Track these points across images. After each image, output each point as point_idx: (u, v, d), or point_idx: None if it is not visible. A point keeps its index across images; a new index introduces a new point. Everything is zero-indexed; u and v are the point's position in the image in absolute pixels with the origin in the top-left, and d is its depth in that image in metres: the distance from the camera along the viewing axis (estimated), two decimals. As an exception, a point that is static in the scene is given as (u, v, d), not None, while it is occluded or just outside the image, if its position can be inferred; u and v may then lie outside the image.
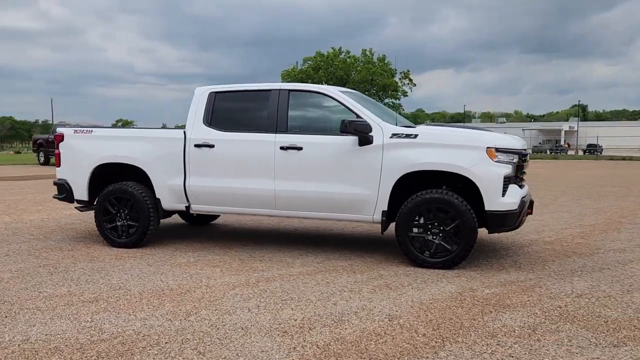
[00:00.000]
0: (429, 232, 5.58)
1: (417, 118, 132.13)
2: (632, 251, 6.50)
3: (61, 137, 6.95)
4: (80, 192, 6.84)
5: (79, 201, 6.92)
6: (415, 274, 5.40)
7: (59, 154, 6.98)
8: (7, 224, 8.38)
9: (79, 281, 5.12)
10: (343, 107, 5.95)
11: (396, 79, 50.34)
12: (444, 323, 4.00)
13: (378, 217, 5.75)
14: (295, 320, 4.06)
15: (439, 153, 5.53)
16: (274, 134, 6.05)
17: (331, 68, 47.91)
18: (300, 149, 5.93)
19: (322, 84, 48.06)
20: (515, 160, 5.55)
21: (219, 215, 8.66)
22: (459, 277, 5.27)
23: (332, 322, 4.03)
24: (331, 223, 8.38)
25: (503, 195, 5.42)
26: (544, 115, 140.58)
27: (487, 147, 5.42)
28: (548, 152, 59.71)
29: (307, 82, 47.10)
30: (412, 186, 5.75)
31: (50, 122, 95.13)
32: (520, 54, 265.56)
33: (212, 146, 6.26)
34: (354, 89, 7.31)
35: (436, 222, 5.55)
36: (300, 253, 6.32)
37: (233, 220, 8.90)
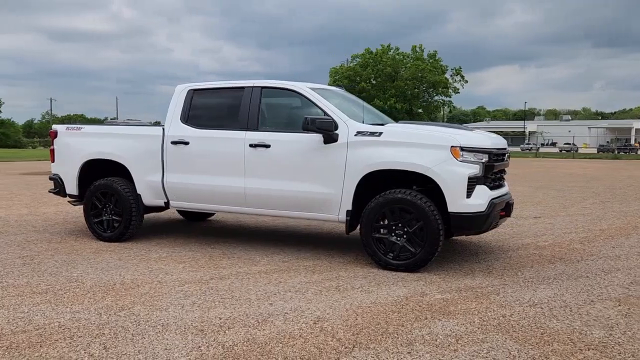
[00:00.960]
0: (392, 234, 5.40)
1: (477, 116, 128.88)
2: (625, 259, 6.04)
3: (55, 134, 7.22)
4: (71, 186, 7.08)
5: (70, 195, 7.17)
6: (375, 276, 5.24)
7: (52, 150, 7.26)
8: (20, 216, 8.81)
9: (44, 273, 5.30)
10: (311, 104, 5.85)
11: (447, 75, 49.26)
12: (368, 328, 3.85)
13: (343, 216, 5.62)
14: (220, 319, 4.03)
15: (402, 152, 5.35)
16: (245, 132, 6.04)
17: (379, 65, 47.43)
18: (268, 146, 5.89)
19: (370, 81, 47.84)
20: (485, 160, 5.27)
21: (214, 213, 8.74)
22: (418, 281, 5.07)
23: (256, 322, 3.97)
24: (321, 222, 8.27)
25: (468, 196, 5.17)
26: (614, 113, 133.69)
27: (452, 146, 5.19)
28: (616, 152, 56.20)
29: (355, 79, 47.07)
30: (383, 186, 5.58)
31: (116, 119, 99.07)
32: (592, 48, 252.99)
33: (187, 143, 6.32)
34: (344, 88, 7.13)
35: (400, 223, 5.37)
36: (273, 251, 6.28)
37: (230, 217, 8.97)
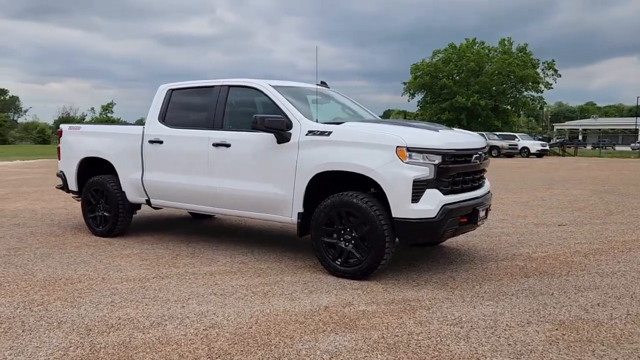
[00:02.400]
0: (341, 239, 5.13)
1: (584, 112, 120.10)
2: (620, 276, 5.31)
3: (60, 133, 7.63)
4: (72, 183, 7.45)
5: (72, 191, 7.55)
6: (316, 283, 5.00)
7: (59, 148, 7.68)
8: (36, 210, 9.42)
9: (11, 265, 5.59)
10: (271, 102, 5.70)
11: (539, 70, 46.40)
12: (251, 339, 3.67)
13: (295, 219, 5.43)
14: (119, 319, 4.03)
15: (348, 152, 5.06)
16: (210, 131, 6.02)
17: (463, 60, 45.66)
18: (228, 145, 5.82)
19: (452, 77, 46.21)
20: (437, 161, 4.84)
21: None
22: (356, 289, 4.77)
23: (148, 325, 3.92)
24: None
25: (415, 201, 4.78)
26: None
27: (397, 147, 4.82)
28: None
29: (437, 76, 45.69)
30: (343, 188, 5.30)
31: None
32: None
33: (161, 142, 6.41)
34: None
35: (348, 228, 5.09)
36: (241, 252, 6.20)
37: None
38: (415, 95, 49.62)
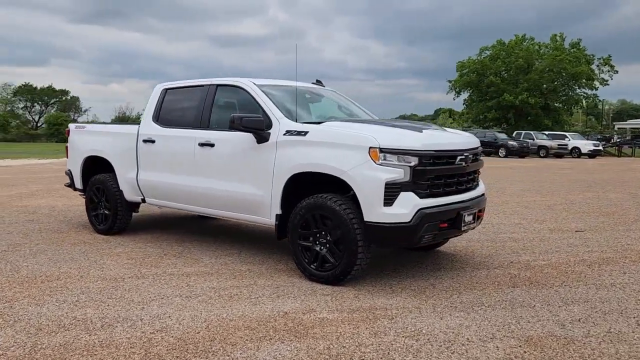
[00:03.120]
0: (317, 242, 4.97)
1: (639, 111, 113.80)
2: (619, 289, 4.91)
3: (68, 132, 7.80)
4: (77, 181, 7.60)
5: (78, 189, 7.70)
6: (288, 287, 4.86)
7: (67, 147, 7.85)
8: (56, 207, 9.69)
9: (3, 261, 5.70)
10: (253, 101, 5.60)
11: (594, 66, 44.32)
12: (192, 344, 3.58)
13: (273, 220, 5.30)
14: (74, 319, 4.03)
15: (322, 153, 4.89)
16: (197, 130, 5.98)
17: (511, 57, 44.15)
18: (212, 145, 5.76)
19: (499, 74, 44.79)
20: (414, 163, 4.60)
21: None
22: (326, 295, 4.60)
23: (99, 326, 3.89)
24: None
25: (388, 204, 4.55)
26: None
27: (370, 148, 4.61)
28: None
29: (484, 73, 44.41)
30: (324, 190, 5.13)
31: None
32: None
33: (153, 141, 6.43)
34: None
35: (323, 231, 4.92)
36: (229, 253, 6.13)
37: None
38: (461, 93, 48.43)
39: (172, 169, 6.23)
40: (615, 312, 4.26)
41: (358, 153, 4.65)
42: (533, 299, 4.55)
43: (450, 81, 48.04)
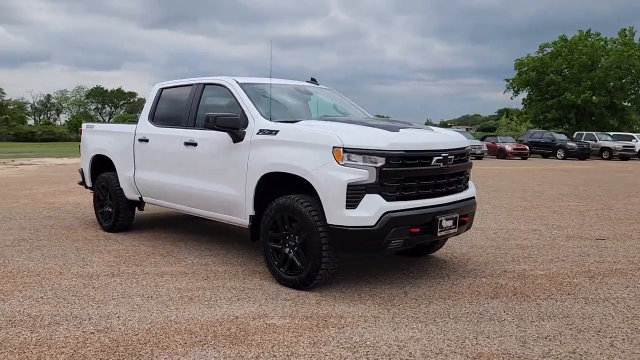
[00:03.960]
0: (286, 245, 4.82)
1: None
2: (610, 304, 4.46)
3: (81, 132, 8.02)
4: (87, 179, 7.80)
5: (88, 187, 7.90)
6: (254, 290, 4.74)
7: (79, 146, 8.08)
8: (81, 203, 9.98)
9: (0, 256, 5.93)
10: (234, 99, 5.52)
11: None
12: (127, 347, 3.52)
13: (247, 221, 5.19)
14: (27, 315, 4.07)
15: (290, 152, 4.73)
16: (184, 129, 5.96)
17: (574, 54, 41.97)
18: (196, 144, 5.72)
19: (561, 72, 42.74)
20: (381, 164, 4.36)
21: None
22: (287, 300, 4.45)
23: (45, 324, 3.91)
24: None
25: (351, 207, 4.33)
26: None
27: (334, 147, 4.41)
28: None
29: (544, 71, 42.51)
30: (297, 191, 4.99)
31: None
32: None
33: (147, 141, 6.48)
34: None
35: (292, 233, 4.76)
36: (216, 253, 6.07)
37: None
38: (519, 92, 46.53)
39: (162, 168, 6.25)
40: (592, 330, 3.85)
41: (322, 153, 4.46)
42: (507, 312, 4.20)
43: (507, 80, 46.32)
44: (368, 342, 3.59)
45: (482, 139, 34.61)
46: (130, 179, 6.79)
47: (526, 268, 5.54)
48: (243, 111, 5.30)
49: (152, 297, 4.53)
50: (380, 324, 3.93)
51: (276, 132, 4.90)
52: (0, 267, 5.43)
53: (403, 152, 4.46)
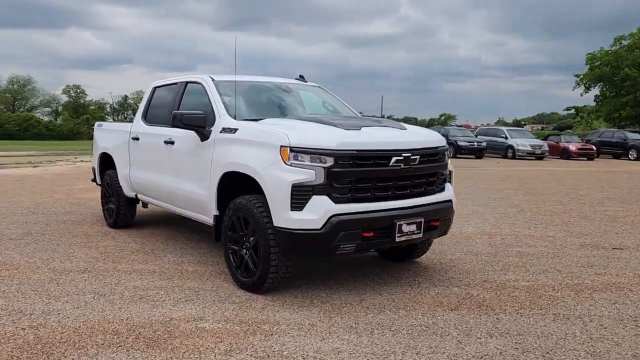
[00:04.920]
0: (243, 246, 4.70)
1: None
2: (571, 322, 4.00)
3: (94, 130, 8.27)
4: (97, 176, 8.03)
5: (99, 184, 8.13)
6: (211, 292, 4.65)
7: (92, 144, 8.33)
8: (94, 199, 10.26)
9: (-6, 248, 6.19)
10: (207, 97, 5.46)
11: None
12: (45, 346, 3.53)
13: (212, 221, 5.12)
14: (-25, 308, 4.19)
15: (244, 151, 4.61)
16: (166, 128, 5.97)
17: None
18: (173, 143, 5.72)
19: (638, 66, 39.77)
20: (329, 164, 4.14)
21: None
22: (233, 303, 4.33)
23: (-12, 317, 4.01)
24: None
25: (297, 208, 4.15)
26: None
27: (281, 146, 4.23)
28: None
29: (618, 65, 39.79)
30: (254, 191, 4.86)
31: (386, 116, 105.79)
32: None
33: (138, 139, 6.56)
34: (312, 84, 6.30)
35: (247, 235, 4.63)
36: (199, 252, 6.05)
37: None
38: (591, 88, 43.78)
39: (148, 166, 6.32)
40: (540, 351, 3.46)
41: (270, 152, 4.31)
42: (457, 327, 3.87)
43: (577, 75, 43.75)
44: (285, 352, 3.41)
45: (545, 138, 32.92)
46: (127, 177, 6.91)
47: (511, 278, 5.12)
48: (212, 109, 5.23)
49: (104, 295, 4.54)
50: (312, 333, 3.73)
51: (235, 130, 4.79)
52: (-14, 260, 5.64)
53: (354, 152, 4.22)
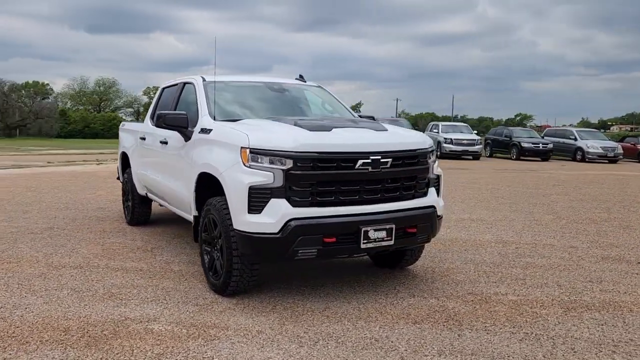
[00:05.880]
0: (214, 248, 4.67)
1: None
2: (529, 342, 3.63)
3: (119, 130, 8.57)
4: (120, 175, 8.31)
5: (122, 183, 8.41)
6: (182, 293, 4.66)
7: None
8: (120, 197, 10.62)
9: (10, 241, 6.51)
10: (195, 97, 5.48)
11: None
12: (4, 338, 3.66)
13: (193, 221, 5.12)
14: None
15: (213, 152, 4.59)
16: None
17: None
18: (166, 143, 5.79)
19: None
20: (288, 166, 4.02)
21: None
22: (196, 305, 4.31)
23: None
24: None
25: (254, 211, 4.06)
26: None
27: (241, 148, 4.16)
28: None
29: None
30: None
31: (459, 116, 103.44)
32: None
33: (144, 139, 6.71)
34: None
35: (217, 236, 4.60)
36: (191, 252, 6.08)
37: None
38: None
39: (150, 165, 6.45)
40: (484, 374, 3.16)
41: (232, 153, 4.24)
42: (409, 342, 3.63)
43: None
44: (215, 357, 3.32)
45: (622, 140, 30.75)
46: (137, 175, 7.08)
47: (501, 292, 4.76)
48: (197, 110, 5.24)
49: (79, 291, 4.65)
50: (254, 341, 3.62)
51: (210, 131, 4.76)
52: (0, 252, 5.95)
53: (315, 154, 4.06)
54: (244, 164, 4.11)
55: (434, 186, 4.79)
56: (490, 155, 28.72)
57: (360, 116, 6.06)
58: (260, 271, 4.43)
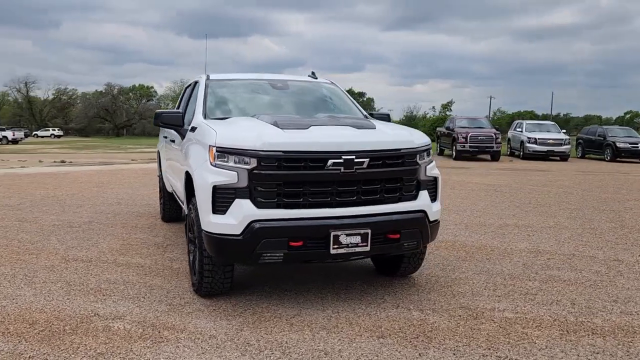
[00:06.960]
0: (196, 248, 4.61)
1: None
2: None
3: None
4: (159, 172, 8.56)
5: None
6: (162, 291, 4.66)
7: (161, 142, 8.89)
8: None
9: (29, 232, 6.85)
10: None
11: None
12: (-36, 326, 3.83)
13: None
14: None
15: (191, 150, 4.54)
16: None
17: None
18: (173, 141, 5.85)
19: None
20: (252, 165, 3.86)
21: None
22: (170, 305, 4.28)
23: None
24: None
25: (220, 212, 3.95)
26: None
27: (210, 146, 4.06)
28: None
29: None
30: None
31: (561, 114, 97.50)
32: None
33: (166, 137, 6.83)
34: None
35: (196, 237, 4.54)
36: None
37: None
38: None
39: (167, 162, 6.55)
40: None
41: (203, 152, 4.16)
42: (359, 357, 3.33)
43: None
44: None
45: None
46: (164, 173, 7.24)
47: (499, 307, 4.28)
48: (194, 108, 5.23)
49: (71, 285, 4.78)
50: (200, 346, 3.50)
51: (194, 129, 4.72)
52: (28, 244, 6.31)
53: (280, 153, 3.86)
54: (211, 163, 4.00)
55: (428, 189, 4.40)
56: (582, 157, 26.66)
57: (372, 115, 5.74)
58: (257, 272, 4.32)
